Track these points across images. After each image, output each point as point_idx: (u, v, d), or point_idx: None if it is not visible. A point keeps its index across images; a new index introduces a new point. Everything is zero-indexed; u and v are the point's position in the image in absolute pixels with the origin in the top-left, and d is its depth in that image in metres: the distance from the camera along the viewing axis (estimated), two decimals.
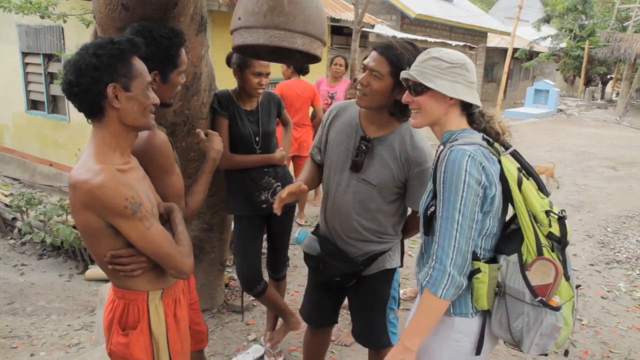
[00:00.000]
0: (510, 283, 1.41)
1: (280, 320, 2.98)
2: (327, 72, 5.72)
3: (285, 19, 1.61)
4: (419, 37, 11.18)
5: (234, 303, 3.37)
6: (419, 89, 1.48)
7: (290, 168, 4.34)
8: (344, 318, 3.13)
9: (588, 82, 21.08)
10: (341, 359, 2.88)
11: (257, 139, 2.55)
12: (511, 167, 1.46)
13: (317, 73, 6.19)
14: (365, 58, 1.84)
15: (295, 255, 4.13)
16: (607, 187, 7.33)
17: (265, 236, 2.79)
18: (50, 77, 7.18)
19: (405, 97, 1.54)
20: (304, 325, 2.33)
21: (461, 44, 11.78)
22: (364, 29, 7.86)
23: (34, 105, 7.64)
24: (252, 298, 3.26)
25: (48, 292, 4.42)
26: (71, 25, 5.83)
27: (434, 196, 1.46)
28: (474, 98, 1.48)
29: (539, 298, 1.36)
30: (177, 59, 1.65)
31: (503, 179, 1.44)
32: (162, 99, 1.55)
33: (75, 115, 6.94)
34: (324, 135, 2.04)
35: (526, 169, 1.49)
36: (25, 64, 7.42)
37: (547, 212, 1.43)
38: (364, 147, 1.86)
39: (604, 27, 19.67)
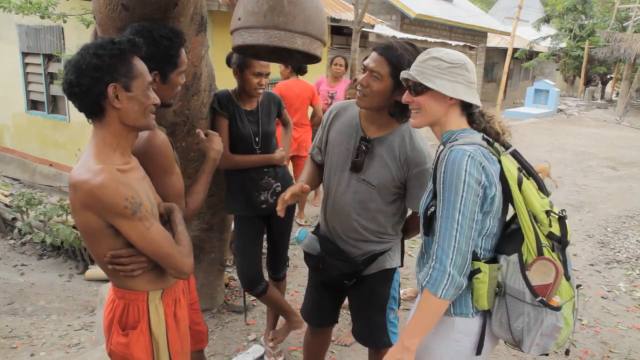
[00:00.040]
0: (511, 283, 1.41)
1: (280, 321, 2.98)
2: (327, 72, 5.72)
3: (285, 19, 1.61)
4: (419, 37, 11.18)
5: (234, 303, 3.37)
6: (419, 89, 1.48)
7: (290, 168, 4.33)
8: (344, 318, 3.13)
9: (588, 82, 21.08)
10: (341, 359, 2.88)
11: (257, 139, 2.55)
12: (511, 167, 1.46)
13: (317, 73, 6.19)
14: (366, 59, 1.84)
15: (295, 255, 4.13)
16: (607, 187, 7.33)
17: (265, 236, 2.79)
18: (50, 77, 7.18)
19: (405, 97, 1.54)
20: (306, 325, 2.33)
21: (461, 44, 11.78)
22: (364, 29, 7.86)
23: (34, 105, 7.64)
24: (252, 298, 3.26)
25: (48, 292, 4.42)
26: (71, 26, 5.83)
27: (434, 196, 1.46)
28: (474, 98, 1.48)
29: (540, 298, 1.36)
30: (177, 59, 1.65)
31: (503, 178, 1.44)
32: (162, 99, 1.55)
33: (75, 116, 6.94)
34: (324, 136, 2.04)
35: (526, 169, 1.49)
36: (25, 64, 7.42)
37: (548, 212, 1.43)
38: (364, 148, 1.86)
39: (604, 27, 19.67)
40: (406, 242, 2.18)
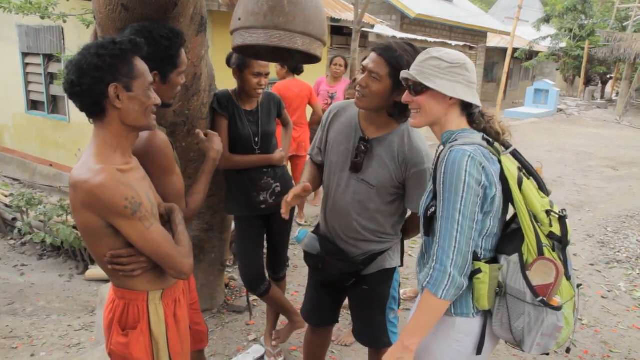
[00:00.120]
0: (511, 283, 1.41)
1: (280, 321, 2.98)
2: (326, 72, 5.73)
3: (285, 20, 1.61)
4: (419, 37, 11.18)
5: (234, 303, 3.37)
6: (419, 88, 1.48)
7: (289, 168, 4.33)
8: (344, 318, 3.13)
9: (588, 81, 21.09)
10: (341, 359, 2.88)
11: (256, 139, 2.55)
12: (511, 167, 1.46)
13: (316, 73, 6.19)
14: (365, 59, 1.84)
15: (295, 255, 4.13)
16: (607, 187, 7.33)
17: (265, 236, 2.79)
18: (51, 77, 7.18)
19: (405, 97, 1.54)
20: (307, 324, 2.33)
21: (461, 44, 11.77)
22: (363, 29, 7.86)
23: (34, 105, 7.64)
24: (252, 298, 3.26)
25: (48, 293, 4.42)
26: (71, 26, 5.83)
27: (434, 197, 1.46)
28: (473, 98, 1.48)
29: (540, 298, 1.36)
30: (177, 59, 1.66)
31: (503, 178, 1.44)
32: (162, 99, 1.55)
33: (75, 116, 6.94)
34: (323, 136, 2.05)
35: (526, 168, 1.49)
36: (26, 64, 7.42)
37: (548, 212, 1.43)
38: (363, 148, 1.86)
39: (604, 27, 19.68)
40: (406, 242, 2.18)
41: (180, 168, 1.74)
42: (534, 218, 1.43)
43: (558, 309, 1.37)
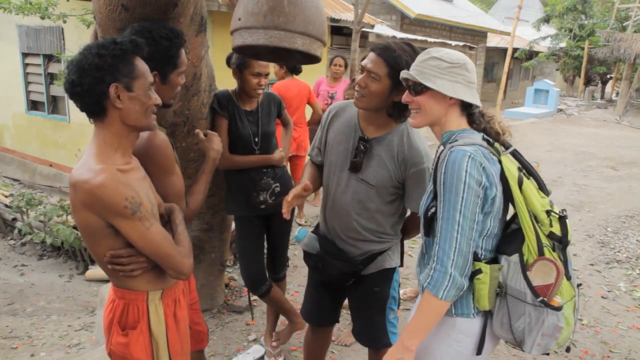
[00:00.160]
0: (512, 283, 1.41)
1: (280, 321, 2.98)
2: (326, 72, 5.73)
3: (285, 20, 1.61)
4: (419, 37, 11.18)
5: (234, 303, 3.37)
6: (419, 88, 1.48)
7: (288, 168, 4.33)
8: (344, 318, 3.13)
9: (588, 82, 21.09)
10: (341, 359, 2.88)
11: (256, 139, 2.55)
12: (511, 167, 1.46)
13: (316, 73, 6.19)
14: (364, 59, 1.84)
15: (295, 255, 4.13)
16: (607, 187, 7.33)
17: (265, 236, 2.79)
18: (51, 77, 7.18)
19: (405, 97, 1.54)
20: (308, 325, 2.33)
21: (461, 44, 11.78)
22: (363, 29, 7.86)
23: (34, 105, 7.64)
24: (252, 298, 3.26)
25: (48, 293, 4.42)
26: (71, 26, 5.83)
27: (435, 197, 1.46)
28: (473, 98, 1.48)
29: (541, 298, 1.36)
30: (176, 59, 1.66)
31: (503, 179, 1.44)
32: (161, 99, 1.55)
33: (75, 116, 6.94)
34: (323, 136, 2.05)
35: (526, 168, 1.49)
36: (26, 65, 7.42)
37: (548, 212, 1.43)
38: (362, 148, 1.86)
39: (604, 27, 19.68)
40: (406, 242, 2.18)
41: (180, 168, 1.74)
42: (534, 218, 1.43)
43: (558, 309, 1.37)
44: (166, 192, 1.62)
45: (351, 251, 1.97)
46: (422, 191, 1.79)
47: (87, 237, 1.39)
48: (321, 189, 2.09)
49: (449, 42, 11.78)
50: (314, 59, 1.81)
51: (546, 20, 20.37)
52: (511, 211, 1.50)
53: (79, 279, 4.75)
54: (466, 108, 1.52)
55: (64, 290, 4.49)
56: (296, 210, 4.45)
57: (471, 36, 16.34)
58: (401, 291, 3.52)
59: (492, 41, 19.39)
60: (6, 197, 6.06)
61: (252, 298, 3.27)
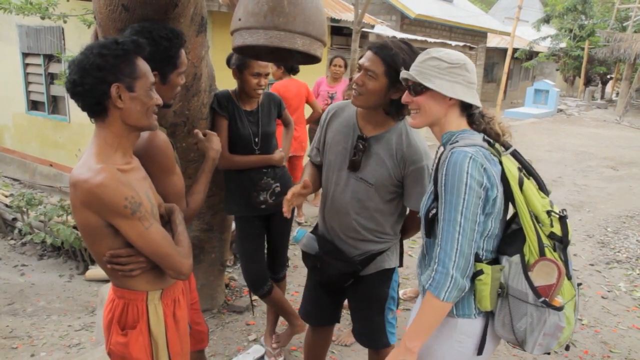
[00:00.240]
0: (513, 284, 1.40)
1: (280, 321, 2.98)
2: (326, 72, 5.73)
3: (285, 20, 1.61)
4: (419, 38, 11.18)
5: (235, 303, 3.37)
6: (419, 89, 1.48)
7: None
8: (344, 318, 3.12)
9: (588, 82, 21.09)
10: (341, 359, 2.88)
11: (256, 139, 2.55)
12: (512, 168, 1.46)
13: (316, 73, 6.19)
14: (361, 57, 1.84)
15: (295, 255, 4.13)
16: (607, 187, 7.33)
17: (265, 236, 2.79)
18: (51, 77, 7.18)
19: (405, 97, 1.55)
20: (307, 327, 2.33)
21: (461, 44, 11.78)
22: (363, 29, 7.86)
23: (34, 105, 7.64)
24: (253, 298, 3.26)
25: (48, 293, 4.42)
26: (71, 26, 5.83)
27: (435, 198, 1.46)
28: (473, 98, 1.48)
29: (543, 299, 1.36)
30: (176, 59, 1.66)
31: (504, 179, 1.44)
32: (161, 99, 1.56)
33: (75, 116, 6.94)
34: (322, 136, 2.05)
35: (526, 169, 1.49)
36: (26, 65, 7.42)
37: (549, 212, 1.43)
38: (361, 146, 1.86)
39: (604, 27, 19.68)
40: (406, 242, 2.18)
41: (180, 168, 1.74)
42: (535, 218, 1.43)
43: (560, 309, 1.37)
44: (166, 192, 1.62)
45: (350, 251, 1.97)
46: (421, 189, 1.79)
47: (86, 236, 1.40)
48: (321, 189, 2.09)
49: (449, 42, 11.78)
50: (314, 59, 1.81)
51: (546, 20, 20.37)
52: (510, 211, 1.51)
53: (79, 279, 4.75)
54: (466, 108, 1.51)
55: (64, 290, 4.49)
56: (296, 210, 4.45)
57: (471, 36, 16.34)
58: (401, 291, 3.52)
59: (492, 41, 19.40)
60: (6, 197, 6.06)
61: (253, 298, 3.27)
